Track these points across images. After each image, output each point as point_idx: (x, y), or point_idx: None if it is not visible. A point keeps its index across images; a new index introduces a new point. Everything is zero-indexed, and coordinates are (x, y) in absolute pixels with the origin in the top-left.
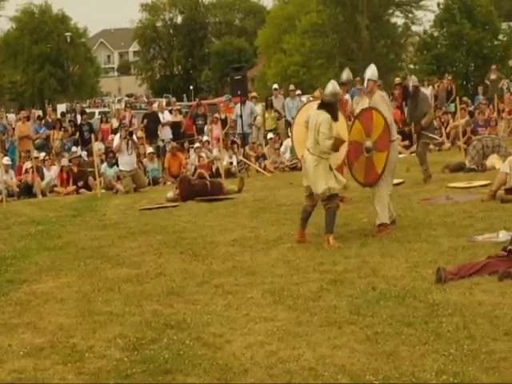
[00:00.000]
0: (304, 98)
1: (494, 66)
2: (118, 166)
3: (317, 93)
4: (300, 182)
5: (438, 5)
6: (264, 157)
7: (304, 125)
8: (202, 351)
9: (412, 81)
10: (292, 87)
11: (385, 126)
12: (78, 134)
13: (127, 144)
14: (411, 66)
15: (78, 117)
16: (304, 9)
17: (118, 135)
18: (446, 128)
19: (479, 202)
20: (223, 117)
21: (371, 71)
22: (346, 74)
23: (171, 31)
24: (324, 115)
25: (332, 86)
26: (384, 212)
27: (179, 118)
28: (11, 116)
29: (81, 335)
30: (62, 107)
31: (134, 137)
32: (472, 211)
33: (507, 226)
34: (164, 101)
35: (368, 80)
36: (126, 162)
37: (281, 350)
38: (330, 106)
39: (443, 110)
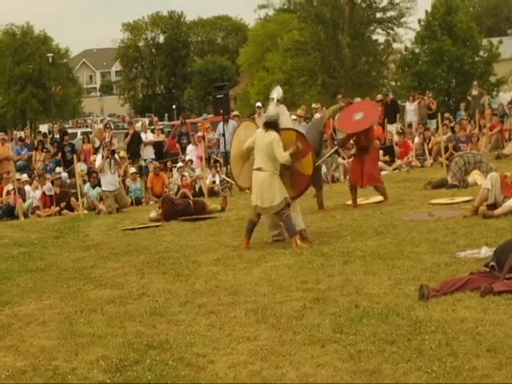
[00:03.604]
0: None
1: (475, 82)
2: (100, 186)
3: (300, 110)
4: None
5: (419, 21)
6: None
7: (239, 145)
8: (185, 372)
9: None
10: None
11: (296, 133)
12: (60, 154)
13: (109, 164)
14: (393, 83)
15: (57, 137)
16: (285, 27)
17: (99, 155)
18: (428, 144)
19: (461, 218)
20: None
21: (277, 92)
22: (277, 92)
23: (153, 50)
24: (274, 134)
25: (273, 109)
26: (298, 219)
27: (161, 137)
28: None
29: (63, 357)
30: (44, 128)
31: (116, 156)
32: (454, 227)
33: (489, 242)
34: (146, 120)
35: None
36: (109, 181)
37: (264, 370)
38: (275, 125)
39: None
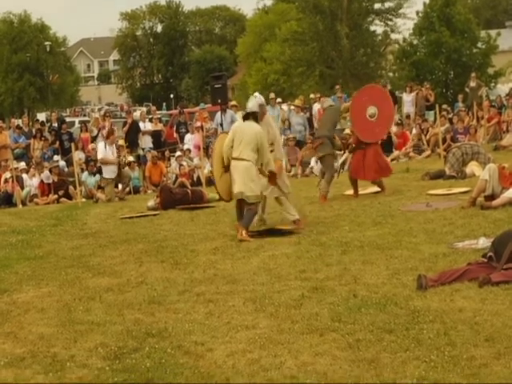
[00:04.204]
0: (284, 106)
1: (473, 74)
2: (101, 174)
3: (298, 101)
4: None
5: (417, 13)
6: None
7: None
8: (184, 360)
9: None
10: (272, 95)
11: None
12: (57, 143)
13: (112, 151)
14: (390, 74)
15: (55, 125)
16: (284, 17)
17: (101, 144)
18: (425, 135)
19: (459, 209)
20: (199, 125)
21: (251, 104)
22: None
23: (151, 40)
24: (257, 127)
25: (258, 99)
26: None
27: (159, 126)
28: None
29: (62, 345)
30: (41, 116)
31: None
32: (452, 218)
33: (487, 233)
34: (144, 109)
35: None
36: (112, 169)
37: (262, 358)
38: (255, 117)
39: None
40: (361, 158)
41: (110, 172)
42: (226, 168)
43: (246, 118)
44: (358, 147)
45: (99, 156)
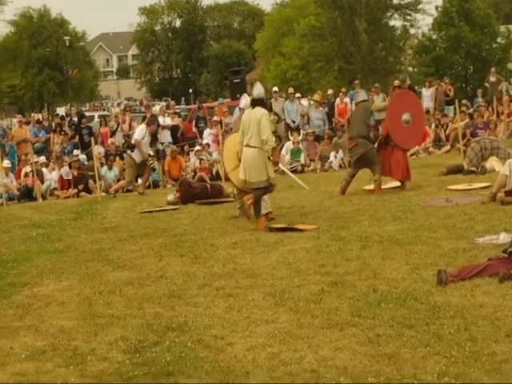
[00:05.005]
0: (304, 101)
1: (493, 69)
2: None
3: (316, 96)
4: (300, 184)
5: (437, 8)
6: None
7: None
8: (204, 353)
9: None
10: (291, 90)
11: None
12: (77, 137)
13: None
14: (410, 69)
15: (75, 120)
16: (302, 12)
17: (142, 127)
18: (445, 131)
19: (479, 204)
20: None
21: (258, 91)
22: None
23: (170, 35)
24: (262, 111)
25: (260, 86)
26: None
27: (176, 121)
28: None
29: (82, 338)
30: (61, 110)
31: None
32: (472, 213)
33: (508, 228)
34: (164, 104)
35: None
36: (140, 154)
37: (282, 353)
38: (262, 103)
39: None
40: (388, 155)
41: (138, 155)
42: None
43: (253, 104)
44: (387, 142)
45: (136, 136)
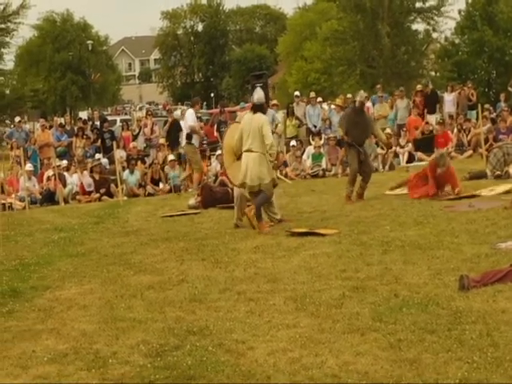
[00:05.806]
0: (325, 106)
1: None
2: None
3: (338, 100)
4: (322, 188)
5: (459, 12)
6: (285, 164)
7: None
8: (225, 358)
9: (360, 96)
10: (313, 94)
11: None
12: (99, 141)
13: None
14: (432, 73)
15: (97, 124)
16: (324, 16)
17: (190, 111)
18: (467, 135)
19: (502, 209)
20: None
21: (258, 96)
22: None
23: (192, 39)
24: (263, 117)
25: (260, 91)
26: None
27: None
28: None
29: (104, 341)
30: (83, 115)
31: None
32: (495, 218)
33: None
34: (186, 108)
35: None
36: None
37: (304, 357)
38: (262, 108)
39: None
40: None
41: (196, 140)
42: (239, 157)
43: (254, 110)
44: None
45: (190, 123)
